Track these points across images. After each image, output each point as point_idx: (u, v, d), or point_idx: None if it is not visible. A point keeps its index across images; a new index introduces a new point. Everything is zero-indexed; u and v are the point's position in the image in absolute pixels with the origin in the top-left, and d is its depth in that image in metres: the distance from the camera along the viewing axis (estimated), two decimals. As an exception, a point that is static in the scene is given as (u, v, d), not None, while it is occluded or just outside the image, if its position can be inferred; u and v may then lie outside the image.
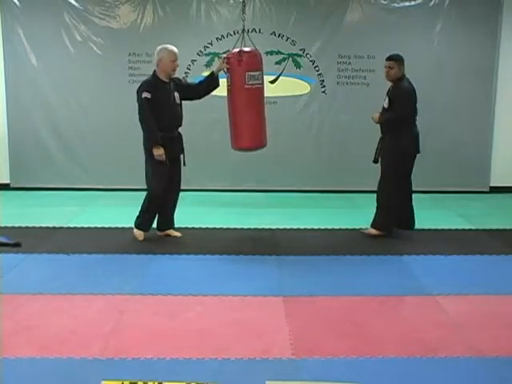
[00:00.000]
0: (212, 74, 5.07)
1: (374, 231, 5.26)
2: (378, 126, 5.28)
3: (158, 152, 4.76)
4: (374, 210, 5.33)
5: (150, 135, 4.79)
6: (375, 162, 5.28)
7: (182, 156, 5.06)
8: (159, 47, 4.85)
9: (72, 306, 3.63)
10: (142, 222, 5.07)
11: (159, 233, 5.19)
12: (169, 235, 5.18)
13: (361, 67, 7.07)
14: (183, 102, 5.04)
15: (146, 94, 4.70)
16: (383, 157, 5.23)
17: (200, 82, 5.16)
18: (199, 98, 5.20)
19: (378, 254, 4.77)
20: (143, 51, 6.85)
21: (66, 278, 4.13)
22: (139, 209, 5.07)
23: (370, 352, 3.05)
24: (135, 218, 5.09)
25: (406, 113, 5.11)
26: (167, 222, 5.19)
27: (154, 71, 4.87)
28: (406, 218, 5.44)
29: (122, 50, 6.89)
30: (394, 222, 5.31)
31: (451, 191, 7.16)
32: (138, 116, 4.80)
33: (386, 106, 5.18)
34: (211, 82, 5.06)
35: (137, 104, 4.79)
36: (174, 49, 4.82)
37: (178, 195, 5.17)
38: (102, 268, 4.36)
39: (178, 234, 5.20)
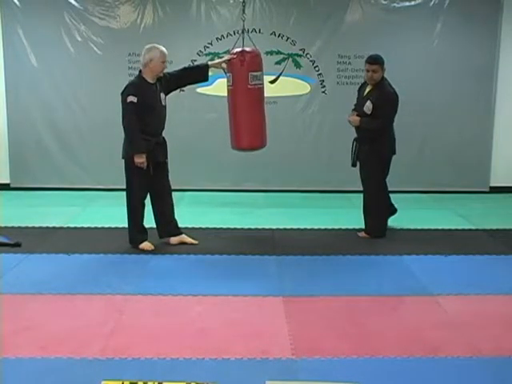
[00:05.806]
0: (206, 65, 4.92)
1: (368, 236, 5.24)
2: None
3: (140, 159, 4.52)
4: (362, 215, 5.27)
5: (133, 142, 4.54)
6: (354, 165, 5.25)
7: (167, 161, 4.82)
8: (148, 46, 4.61)
9: (72, 305, 3.64)
10: (133, 237, 4.82)
11: (172, 240, 4.92)
12: (184, 243, 4.91)
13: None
14: (174, 95, 4.87)
15: (131, 98, 4.47)
16: (363, 163, 5.19)
17: (185, 69, 4.97)
18: (183, 86, 5.07)
19: (377, 254, 4.77)
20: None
21: (66, 277, 4.14)
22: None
23: (370, 352, 3.05)
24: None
25: (390, 121, 5.08)
26: (168, 228, 4.91)
27: (140, 72, 4.64)
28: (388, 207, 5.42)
29: (122, 49, 6.88)
30: (386, 223, 5.31)
31: (451, 191, 7.15)
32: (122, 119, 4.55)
33: (368, 111, 5.01)
34: (198, 74, 4.89)
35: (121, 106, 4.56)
36: (165, 49, 4.61)
37: (171, 200, 4.91)
38: (102, 268, 4.37)
39: (193, 241, 4.93)
